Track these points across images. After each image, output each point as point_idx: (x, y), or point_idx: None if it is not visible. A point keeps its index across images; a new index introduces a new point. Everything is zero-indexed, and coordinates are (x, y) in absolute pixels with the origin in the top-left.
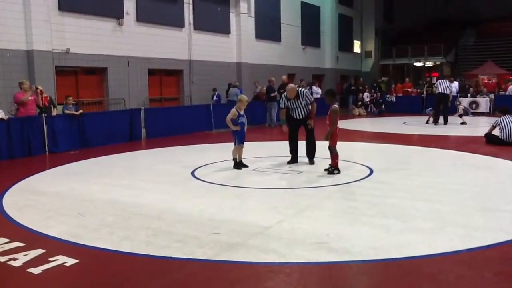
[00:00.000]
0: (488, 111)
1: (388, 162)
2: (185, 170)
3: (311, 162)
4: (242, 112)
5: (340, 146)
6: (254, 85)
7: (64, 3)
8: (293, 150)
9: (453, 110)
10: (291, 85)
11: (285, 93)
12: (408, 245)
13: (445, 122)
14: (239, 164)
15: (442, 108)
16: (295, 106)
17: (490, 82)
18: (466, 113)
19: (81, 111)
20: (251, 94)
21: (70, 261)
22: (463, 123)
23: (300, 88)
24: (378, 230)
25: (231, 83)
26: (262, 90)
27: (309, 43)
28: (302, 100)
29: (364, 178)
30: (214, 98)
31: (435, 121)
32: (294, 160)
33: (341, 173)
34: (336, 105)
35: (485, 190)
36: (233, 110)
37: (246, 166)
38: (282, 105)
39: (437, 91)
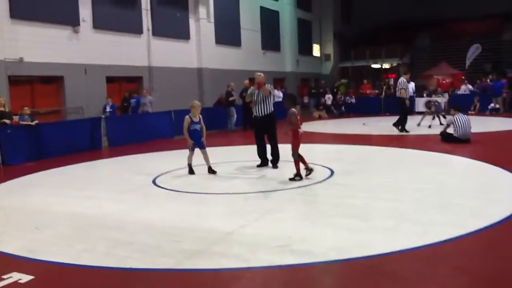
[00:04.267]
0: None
1: (349, 163)
2: (146, 178)
3: (275, 166)
4: (196, 119)
5: (301, 148)
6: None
7: (16, 11)
8: (262, 154)
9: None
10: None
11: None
12: (369, 244)
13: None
14: (190, 169)
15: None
16: (257, 97)
17: (444, 82)
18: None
19: (36, 121)
20: (214, 100)
21: (25, 278)
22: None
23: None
24: (340, 230)
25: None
26: (222, 95)
27: (269, 48)
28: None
29: (325, 180)
30: (107, 109)
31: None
32: (263, 163)
33: (302, 174)
34: (294, 109)
35: (441, 186)
36: (186, 117)
37: (215, 172)
38: (248, 92)
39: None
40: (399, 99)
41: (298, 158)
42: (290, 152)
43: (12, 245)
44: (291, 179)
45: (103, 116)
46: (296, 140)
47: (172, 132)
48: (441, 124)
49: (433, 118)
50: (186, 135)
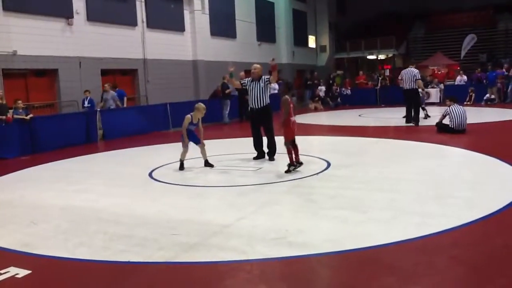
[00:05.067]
0: (438, 101)
1: (345, 154)
2: (143, 171)
3: (271, 159)
4: (195, 121)
5: (298, 140)
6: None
7: (9, 3)
8: (258, 146)
9: None
10: (258, 65)
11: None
12: (365, 236)
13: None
14: (182, 165)
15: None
16: (253, 89)
17: (439, 72)
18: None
19: (31, 115)
20: (209, 92)
21: (22, 272)
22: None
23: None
24: (336, 222)
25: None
26: (218, 87)
27: (265, 39)
28: (262, 82)
29: (321, 172)
30: (86, 104)
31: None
32: (260, 155)
33: (299, 167)
34: (286, 96)
35: (437, 177)
36: (188, 116)
37: (212, 166)
38: (243, 82)
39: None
40: (412, 91)
41: (290, 148)
42: (283, 145)
43: (8, 239)
44: (286, 172)
45: (98, 110)
46: (288, 129)
47: (168, 125)
48: (426, 116)
49: None
50: (184, 134)
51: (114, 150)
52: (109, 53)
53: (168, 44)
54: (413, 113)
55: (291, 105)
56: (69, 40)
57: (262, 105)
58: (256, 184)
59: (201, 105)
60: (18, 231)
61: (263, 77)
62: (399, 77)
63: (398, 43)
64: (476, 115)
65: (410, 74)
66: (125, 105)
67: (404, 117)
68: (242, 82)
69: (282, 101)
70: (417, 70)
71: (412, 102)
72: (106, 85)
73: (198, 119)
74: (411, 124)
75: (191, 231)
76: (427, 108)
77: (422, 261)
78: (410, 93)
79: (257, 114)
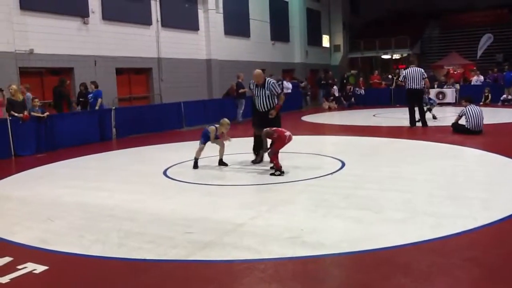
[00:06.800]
0: (454, 101)
1: (360, 154)
2: (156, 169)
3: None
4: (219, 133)
5: (312, 139)
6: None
7: (26, 2)
8: (258, 149)
9: None
10: (258, 70)
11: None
12: (380, 236)
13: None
14: (196, 163)
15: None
16: (258, 94)
17: (455, 72)
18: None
19: (47, 113)
20: (223, 92)
21: (40, 268)
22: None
23: (268, 78)
24: (351, 222)
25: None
26: (232, 86)
27: (278, 38)
28: (267, 90)
29: (336, 171)
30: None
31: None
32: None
33: (313, 166)
34: (266, 129)
35: (453, 178)
36: (213, 128)
37: (226, 165)
38: (249, 87)
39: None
40: (419, 91)
41: (277, 155)
42: (297, 145)
43: (25, 235)
44: (272, 174)
45: (113, 108)
46: (282, 142)
47: (181, 124)
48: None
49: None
50: (213, 141)
51: (128, 148)
52: (124, 52)
53: (182, 43)
54: (419, 116)
55: (274, 128)
56: (84, 39)
57: (269, 107)
58: (270, 183)
59: (226, 120)
60: (35, 228)
61: (267, 80)
62: (401, 78)
63: (412, 43)
64: (493, 115)
65: (416, 73)
66: (97, 108)
67: (412, 123)
68: (250, 88)
69: (264, 134)
70: (422, 69)
71: (418, 103)
72: (22, 86)
73: (222, 132)
74: (419, 125)
75: (205, 229)
76: (437, 108)
77: (437, 262)
78: (417, 93)
79: (264, 117)
